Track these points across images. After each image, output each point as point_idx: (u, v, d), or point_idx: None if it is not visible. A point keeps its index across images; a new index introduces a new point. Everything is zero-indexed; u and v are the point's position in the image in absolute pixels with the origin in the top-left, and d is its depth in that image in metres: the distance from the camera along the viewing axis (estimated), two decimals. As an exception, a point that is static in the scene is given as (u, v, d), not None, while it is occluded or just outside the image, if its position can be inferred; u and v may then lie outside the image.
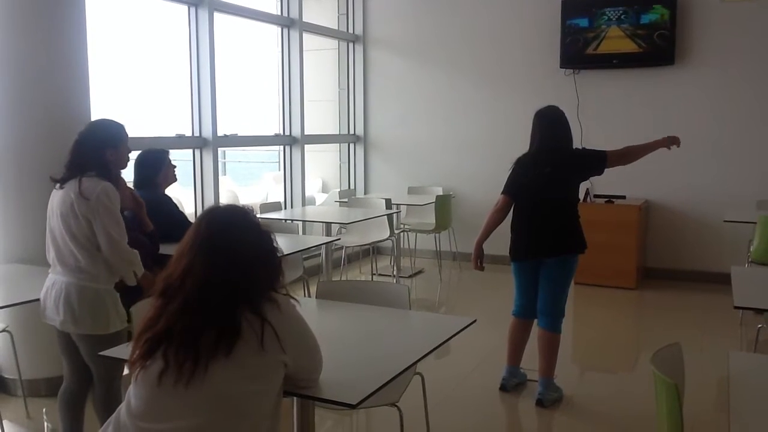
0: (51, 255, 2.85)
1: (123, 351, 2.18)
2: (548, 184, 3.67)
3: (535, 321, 3.85)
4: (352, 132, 8.04)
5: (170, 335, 1.69)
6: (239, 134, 6.29)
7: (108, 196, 2.76)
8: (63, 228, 2.78)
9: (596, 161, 3.79)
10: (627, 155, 3.90)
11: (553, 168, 3.67)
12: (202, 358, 1.66)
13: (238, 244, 1.77)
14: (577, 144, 6.53)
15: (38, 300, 2.90)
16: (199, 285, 1.72)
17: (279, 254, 1.86)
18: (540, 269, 3.74)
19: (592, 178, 6.69)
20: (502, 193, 3.77)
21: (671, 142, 4.00)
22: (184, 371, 1.65)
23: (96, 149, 2.82)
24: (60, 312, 2.79)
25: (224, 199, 6.55)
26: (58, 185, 2.84)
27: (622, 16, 6.50)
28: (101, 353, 2.33)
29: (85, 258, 2.76)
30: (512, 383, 3.93)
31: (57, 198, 2.83)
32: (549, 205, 3.69)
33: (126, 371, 1.79)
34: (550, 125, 3.74)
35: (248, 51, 8.03)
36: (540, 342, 3.76)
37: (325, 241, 5.16)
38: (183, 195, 6.57)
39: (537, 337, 3.79)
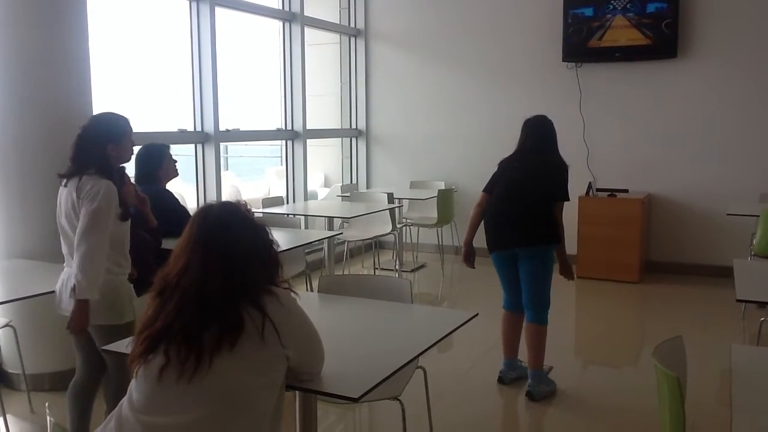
0: (64, 249, 2.89)
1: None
2: (517, 182, 3.75)
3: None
4: (354, 126, 8.03)
5: (169, 333, 1.70)
6: (241, 129, 6.29)
7: (98, 194, 2.72)
8: (69, 226, 2.81)
9: (555, 190, 3.75)
10: (560, 230, 3.76)
11: (525, 167, 3.76)
12: (205, 354, 1.66)
13: (233, 239, 1.78)
14: (579, 139, 6.63)
15: (41, 295, 2.94)
16: (196, 282, 1.72)
17: (276, 248, 1.87)
18: (517, 263, 3.77)
19: (594, 172, 6.73)
20: (483, 191, 3.92)
21: (567, 273, 3.86)
22: (187, 367, 1.66)
23: (97, 144, 2.81)
24: (75, 303, 2.80)
25: (226, 194, 6.56)
26: (63, 182, 2.85)
27: (628, 5, 6.47)
28: (107, 347, 2.34)
29: None
30: (510, 376, 3.95)
31: (63, 196, 2.85)
32: (516, 200, 3.74)
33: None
34: (532, 132, 3.85)
35: (250, 45, 8.02)
36: (526, 335, 3.81)
37: (328, 236, 5.16)
38: (185, 190, 6.58)
39: (524, 331, 3.82)
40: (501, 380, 3.98)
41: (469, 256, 3.92)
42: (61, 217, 2.85)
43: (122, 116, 2.94)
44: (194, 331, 1.68)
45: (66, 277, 2.88)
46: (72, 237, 2.81)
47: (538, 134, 3.83)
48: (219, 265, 1.73)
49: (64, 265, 2.91)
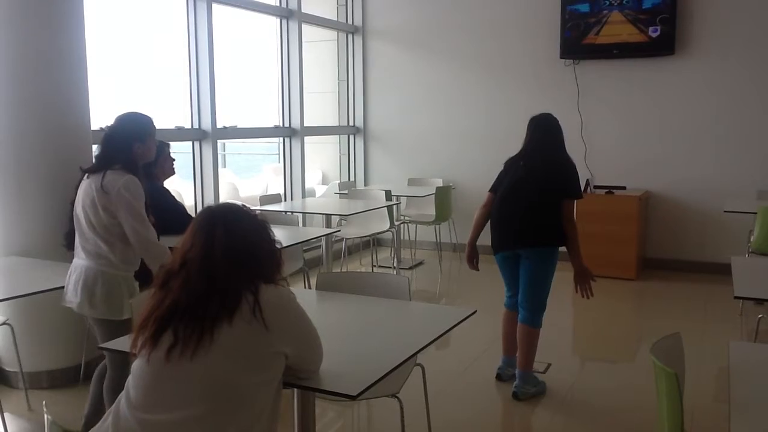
0: (76, 240, 2.96)
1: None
2: (521, 182, 3.72)
3: None
4: (351, 123, 8.02)
5: (178, 310, 1.72)
6: (239, 126, 6.28)
7: (129, 189, 2.83)
8: (83, 218, 2.89)
9: (563, 191, 3.68)
10: (571, 228, 3.68)
11: (529, 166, 3.73)
12: (207, 328, 1.69)
13: (237, 224, 1.82)
14: (576, 136, 6.62)
15: (39, 292, 2.97)
16: (200, 255, 1.76)
17: (277, 244, 1.90)
18: (520, 263, 3.76)
19: (592, 169, 6.73)
20: (489, 191, 3.88)
21: (582, 279, 3.80)
22: (191, 342, 1.68)
23: (124, 143, 2.92)
24: (78, 295, 2.88)
25: (224, 192, 6.55)
26: (86, 176, 2.94)
27: (624, 1, 6.47)
28: (104, 345, 2.35)
29: (104, 245, 2.87)
30: (508, 373, 3.95)
31: (82, 188, 2.93)
32: (518, 199, 3.71)
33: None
34: (537, 130, 3.82)
35: (247, 42, 8.00)
36: (518, 335, 3.79)
37: (326, 233, 5.16)
38: (183, 187, 6.56)
39: (517, 330, 3.81)
40: (499, 377, 3.99)
41: (473, 257, 3.89)
42: (77, 207, 2.94)
43: (147, 116, 3.05)
44: (199, 305, 1.72)
45: (73, 269, 2.95)
46: (85, 229, 2.89)
47: (543, 132, 3.79)
48: (222, 242, 1.77)
49: (75, 256, 2.98)
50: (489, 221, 3.84)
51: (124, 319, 2.84)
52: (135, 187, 2.86)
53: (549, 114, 3.86)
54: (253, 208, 1.98)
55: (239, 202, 1.99)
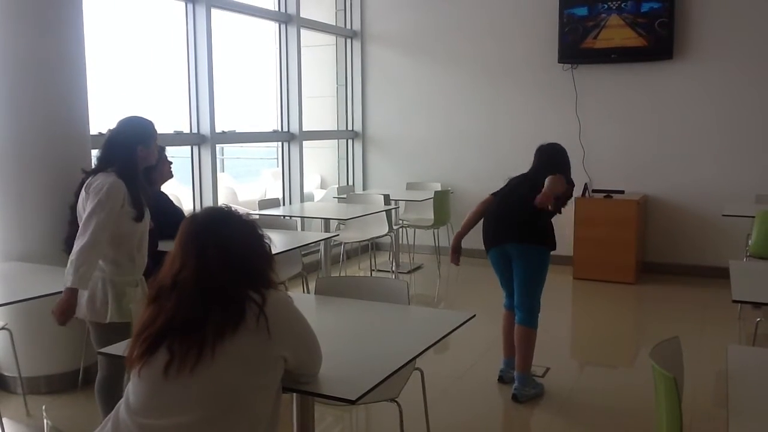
0: None
1: (122, 348, 2.18)
2: (522, 186, 3.78)
3: None
4: (350, 128, 8.03)
5: (172, 329, 1.70)
6: (237, 131, 6.28)
7: (101, 190, 2.77)
8: (79, 221, 2.88)
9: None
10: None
11: (533, 179, 3.77)
12: (208, 342, 1.67)
13: (225, 233, 1.80)
14: (575, 140, 6.63)
15: (38, 297, 2.98)
16: (193, 276, 1.74)
17: (267, 241, 1.88)
18: (511, 263, 3.79)
19: (590, 173, 6.74)
20: (491, 194, 3.94)
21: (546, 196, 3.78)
22: (190, 358, 1.66)
23: (127, 145, 2.91)
24: None
25: (222, 196, 6.56)
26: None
27: (623, 5, 6.49)
28: (103, 351, 2.35)
29: None
30: (510, 375, 3.95)
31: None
32: (520, 200, 3.74)
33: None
34: (543, 155, 3.90)
35: (246, 47, 8.01)
36: (515, 337, 3.82)
37: (324, 237, 5.16)
38: (181, 192, 6.57)
39: (514, 332, 3.83)
40: (501, 379, 4.00)
41: (457, 249, 3.90)
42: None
43: (149, 120, 3.04)
44: (196, 320, 1.70)
45: None
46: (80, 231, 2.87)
47: (549, 156, 3.88)
48: (216, 256, 1.75)
49: None
50: (483, 220, 3.88)
51: (107, 323, 2.84)
52: (114, 190, 2.79)
53: (556, 143, 3.95)
54: (251, 212, 1.97)
55: (224, 204, 1.97)
